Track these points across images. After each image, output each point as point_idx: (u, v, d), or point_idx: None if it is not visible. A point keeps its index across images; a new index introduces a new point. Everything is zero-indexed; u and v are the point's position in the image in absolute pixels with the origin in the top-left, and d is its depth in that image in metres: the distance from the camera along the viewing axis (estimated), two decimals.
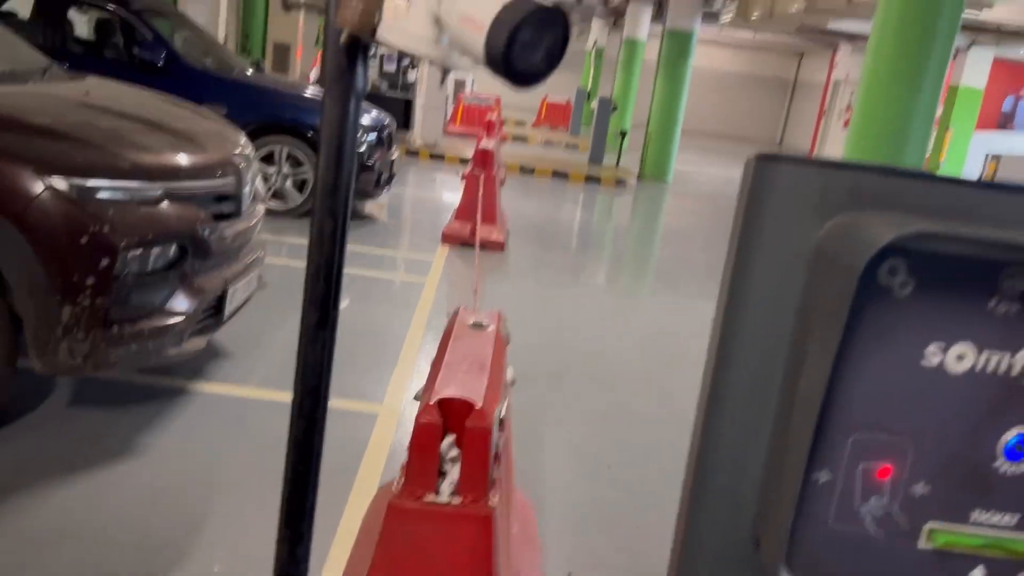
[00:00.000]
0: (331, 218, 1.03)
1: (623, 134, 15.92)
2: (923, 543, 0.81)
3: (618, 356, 5.41)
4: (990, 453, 0.80)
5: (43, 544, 2.63)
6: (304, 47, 20.47)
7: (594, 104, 16.15)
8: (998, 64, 18.65)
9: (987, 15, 10.66)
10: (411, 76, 15.84)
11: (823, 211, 0.83)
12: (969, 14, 8.43)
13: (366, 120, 7.95)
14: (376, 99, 11.74)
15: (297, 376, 1.26)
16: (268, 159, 7.35)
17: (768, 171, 0.86)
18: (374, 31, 0.90)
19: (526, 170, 13.91)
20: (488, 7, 0.75)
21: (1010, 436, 0.79)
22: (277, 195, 7.51)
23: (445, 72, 0.93)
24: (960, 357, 0.78)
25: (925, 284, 0.77)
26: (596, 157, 15.36)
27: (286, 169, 7.48)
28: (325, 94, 0.97)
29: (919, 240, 0.76)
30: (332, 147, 0.98)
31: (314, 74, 13.67)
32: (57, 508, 2.83)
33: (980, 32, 13.91)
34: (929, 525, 0.80)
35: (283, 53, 19.76)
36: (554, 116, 23.67)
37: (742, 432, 0.89)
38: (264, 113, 7.39)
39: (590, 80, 26.14)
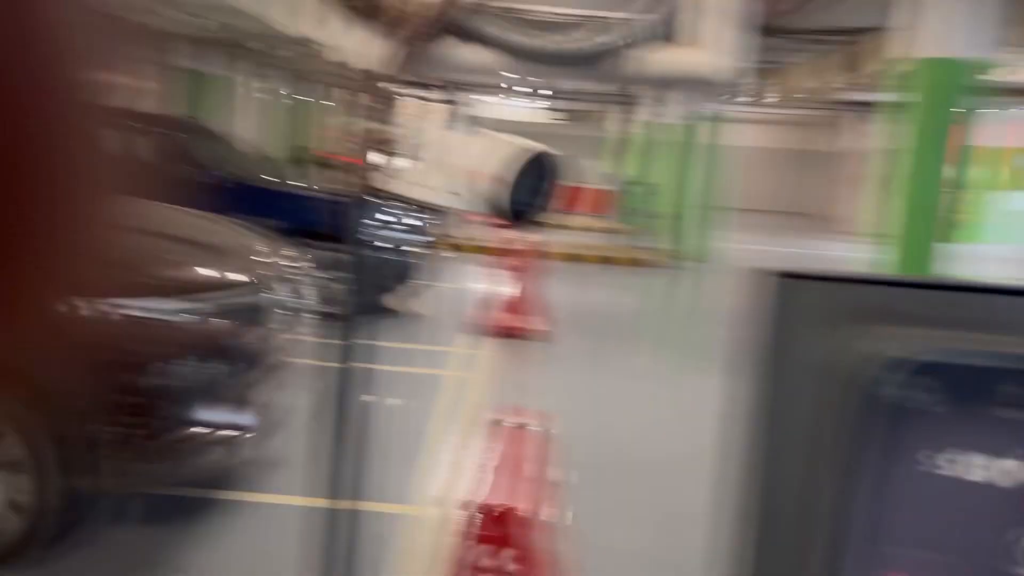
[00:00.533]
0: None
1: (660, 216, 16.06)
2: None
3: (672, 444, 5.34)
4: (1008, 560, 0.80)
5: None
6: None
7: (633, 187, 16.39)
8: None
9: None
10: None
11: (836, 325, 0.86)
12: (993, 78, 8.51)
13: (413, 221, 8.19)
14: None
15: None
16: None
17: (793, 289, 0.90)
18: (375, 191, 0.97)
19: (571, 257, 14.06)
20: (493, 160, 0.81)
21: None
22: (327, 300, 7.70)
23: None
24: (971, 466, 0.79)
25: (937, 393, 0.79)
26: (639, 241, 15.49)
27: (339, 273, 7.69)
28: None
29: (931, 353, 0.78)
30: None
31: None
32: None
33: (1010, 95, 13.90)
34: None
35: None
36: (598, 203, 24.00)
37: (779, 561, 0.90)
38: (316, 218, 7.63)
39: (626, 164, 26.56)
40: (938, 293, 0.83)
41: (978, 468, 0.80)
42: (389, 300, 8.47)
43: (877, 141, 23.94)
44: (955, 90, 6.46)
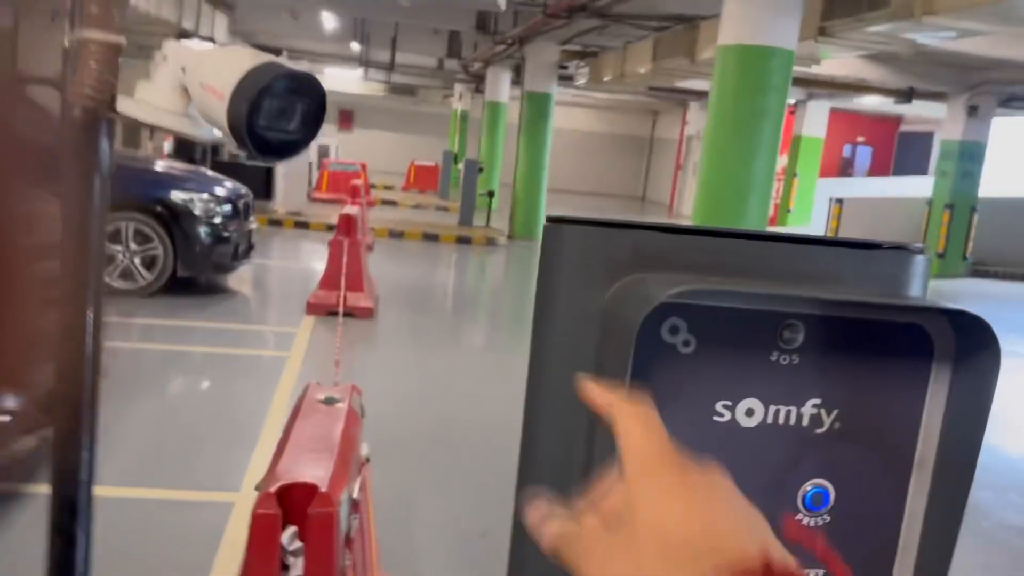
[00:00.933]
0: (81, 314, 0.92)
1: (491, 194, 16.16)
2: None
3: (496, 421, 5.36)
4: (791, 506, 0.78)
5: None
6: None
7: (461, 166, 16.37)
8: (835, 115, 20.23)
9: (818, 69, 11.55)
10: None
11: (611, 272, 0.81)
12: (800, 70, 9.12)
13: (221, 191, 7.71)
14: (235, 168, 11.43)
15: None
16: (115, 237, 6.96)
17: (558, 234, 0.84)
18: (112, 104, 0.83)
19: (396, 234, 13.84)
20: (230, 75, 0.70)
21: (809, 487, 0.78)
22: (125, 274, 7.11)
23: (193, 144, 0.87)
24: (749, 412, 0.76)
25: (707, 341, 0.75)
26: (465, 218, 15.49)
27: (133, 246, 7.11)
28: (64, 177, 0.88)
29: (697, 298, 0.75)
30: (77, 236, 0.88)
31: (168, 147, 13.21)
32: None
33: (815, 85, 15.05)
34: None
35: (134, 129, 19.02)
36: (423, 179, 23.81)
37: (556, 487, 0.84)
38: (117, 188, 7.02)
39: (456, 142, 26.53)
40: (709, 240, 0.80)
41: (757, 413, 0.78)
42: (202, 276, 7.96)
43: (696, 128, 25.37)
44: (764, 79, 6.85)
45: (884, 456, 0.79)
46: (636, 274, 0.79)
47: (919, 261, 0.83)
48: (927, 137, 22.42)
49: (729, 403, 0.76)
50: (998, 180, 16.97)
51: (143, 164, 7.92)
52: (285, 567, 1.84)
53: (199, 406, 5.18)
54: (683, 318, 0.75)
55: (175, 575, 3.05)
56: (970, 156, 14.26)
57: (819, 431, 0.77)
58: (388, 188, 23.29)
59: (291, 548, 1.81)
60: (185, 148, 12.03)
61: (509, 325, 8.89)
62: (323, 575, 1.81)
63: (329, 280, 7.47)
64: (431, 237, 14.03)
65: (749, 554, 0.45)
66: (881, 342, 0.77)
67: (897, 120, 24.15)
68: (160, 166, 7.90)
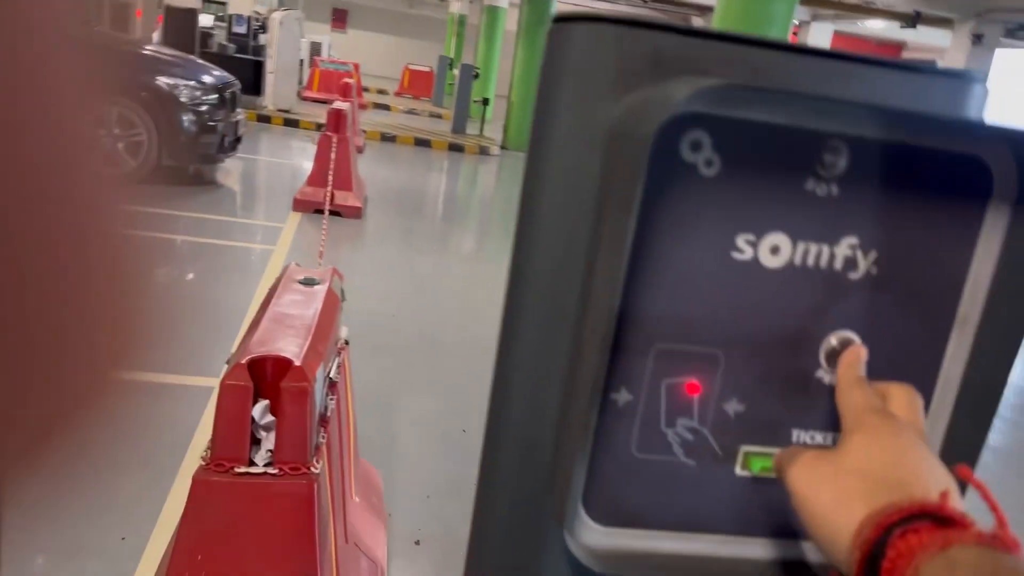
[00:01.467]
0: None
1: (485, 101, 15.77)
2: (740, 469, 0.69)
3: (482, 324, 5.29)
4: (812, 361, 0.69)
5: None
6: (145, 8, 19.09)
7: (456, 72, 15.90)
8: (838, 38, 19.71)
9: None
10: (261, 39, 15.05)
11: (625, 81, 0.69)
12: None
13: (208, 80, 7.43)
14: (223, 61, 11.04)
15: None
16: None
17: (564, 36, 0.71)
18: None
19: (387, 138, 13.54)
20: None
21: (834, 340, 0.68)
22: (107, 161, 6.88)
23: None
24: (774, 249, 0.66)
25: (733, 161, 0.64)
26: (459, 125, 15.15)
27: (117, 131, 6.87)
28: None
29: (723, 106, 0.63)
30: None
31: (157, 35, 12.72)
32: None
33: (821, 4, 14.58)
34: (745, 448, 0.69)
35: (122, 13, 18.35)
36: (417, 85, 23.22)
37: (539, 356, 0.74)
38: None
39: (453, 48, 25.76)
40: (743, 47, 0.67)
41: (783, 252, 0.67)
42: (191, 167, 7.76)
43: None
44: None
45: (923, 309, 0.69)
46: (653, 83, 0.67)
47: (979, 91, 0.71)
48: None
49: (752, 238, 0.65)
50: (997, 113, 16.67)
51: (129, 47, 7.59)
52: (256, 441, 1.77)
53: (182, 294, 5.07)
54: (707, 131, 0.63)
55: (150, 456, 3.00)
56: None
57: (853, 276, 0.67)
58: (381, 92, 22.73)
59: (263, 422, 1.74)
60: (174, 36, 11.59)
61: (499, 234, 8.77)
62: (295, 451, 1.74)
63: (317, 177, 7.29)
64: (423, 143, 13.73)
65: (930, 494, 0.54)
66: (933, 175, 0.66)
67: (899, 47, 23.62)
68: (147, 50, 7.57)
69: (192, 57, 8.43)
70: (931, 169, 0.66)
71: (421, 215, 8.73)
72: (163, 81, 7.11)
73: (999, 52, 14.10)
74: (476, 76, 15.91)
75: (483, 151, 13.95)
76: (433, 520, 2.93)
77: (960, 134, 0.65)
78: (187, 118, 7.11)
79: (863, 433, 0.59)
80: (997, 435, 4.59)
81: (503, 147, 14.86)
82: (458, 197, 10.74)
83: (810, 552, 0.72)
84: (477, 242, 8.17)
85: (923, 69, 0.70)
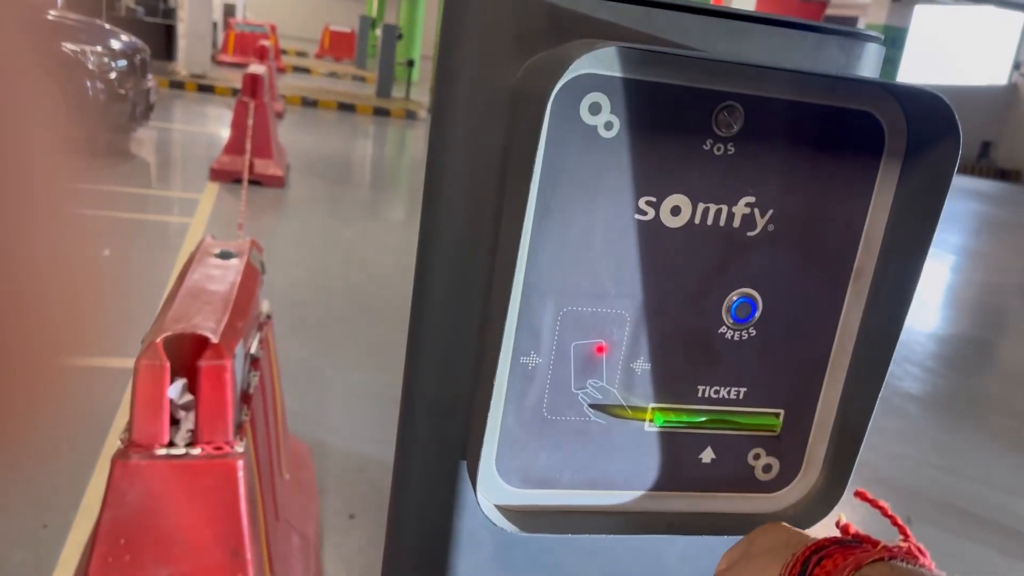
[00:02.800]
0: None
1: (410, 63, 15.51)
2: (649, 426, 0.70)
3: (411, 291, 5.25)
4: (715, 318, 0.70)
5: None
6: None
7: (379, 32, 15.56)
8: None
9: None
10: (172, 1, 14.43)
11: (524, 46, 0.68)
12: None
13: (116, 45, 7.10)
14: (132, 25, 10.56)
15: None
16: None
17: (461, 1, 0.69)
18: None
19: (309, 102, 13.20)
20: None
21: (735, 296, 0.70)
22: None
23: None
24: (675, 210, 0.66)
25: (632, 124, 0.64)
26: (384, 89, 14.87)
27: None
28: None
29: (619, 68, 0.63)
30: None
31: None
32: None
33: None
34: (652, 405, 0.70)
35: None
36: (338, 46, 22.66)
37: (450, 321, 0.73)
38: None
39: (375, 7, 25.16)
40: (640, 9, 0.67)
41: (684, 212, 0.67)
42: (101, 137, 7.42)
43: None
44: None
45: (819, 264, 0.70)
46: (555, 46, 0.66)
47: (873, 50, 0.73)
48: (851, 21, 22.51)
49: (653, 199, 0.66)
50: (914, 70, 17.24)
51: (31, 11, 7.18)
52: (176, 421, 1.72)
53: (97, 272, 4.89)
54: (606, 94, 0.63)
55: (70, 442, 2.90)
56: (892, 42, 14.36)
57: (751, 234, 0.68)
58: (301, 55, 22.11)
59: (181, 401, 1.70)
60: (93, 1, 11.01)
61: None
62: (216, 430, 1.70)
63: (234, 145, 7.07)
64: (347, 108, 13.44)
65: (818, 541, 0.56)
66: (827, 133, 0.67)
67: (823, 5, 24.08)
68: (50, 14, 7.18)
69: (98, 22, 8.04)
70: (825, 127, 0.67)
71: (347, 183, 8.58)
72: (68, 48, 6.77)
73: (918, 9, 14.53)
74: (400, 37, 15.61)
75: (410, 115, 13.75)
76: (368, 493, 2.93)
77: (852, 92, 0.66)
78: (95, 86, 6.79)
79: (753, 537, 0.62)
80: (919, 384, 4.81)
81: (431, 110, 14.64)
82: (386, 163, 10.58)
83: (717, 503, 0.74)
84: (407, 209, 8.07)
85: (817, 28, 0.71)
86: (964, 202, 13.05)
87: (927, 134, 0.66)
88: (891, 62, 14.45)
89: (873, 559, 0.51)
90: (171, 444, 1.70)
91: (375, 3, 25.22)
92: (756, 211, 0.68)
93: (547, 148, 0.63)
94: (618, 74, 0.63)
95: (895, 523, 0.57)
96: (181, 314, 1.82)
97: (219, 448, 1.71)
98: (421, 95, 15.37)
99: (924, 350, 5.37)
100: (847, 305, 0.72)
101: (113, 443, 2.96)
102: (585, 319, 0.67)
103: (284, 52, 19.79)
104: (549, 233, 0.65)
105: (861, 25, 20.12)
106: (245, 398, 1.92)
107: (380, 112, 13.57)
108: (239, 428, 1.79)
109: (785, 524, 0.61)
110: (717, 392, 0.71)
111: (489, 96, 0.69)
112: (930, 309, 6.61)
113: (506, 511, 0.70)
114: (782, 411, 0.73)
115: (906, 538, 0.54)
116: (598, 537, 0.76)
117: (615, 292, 0.67)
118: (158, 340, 1.66)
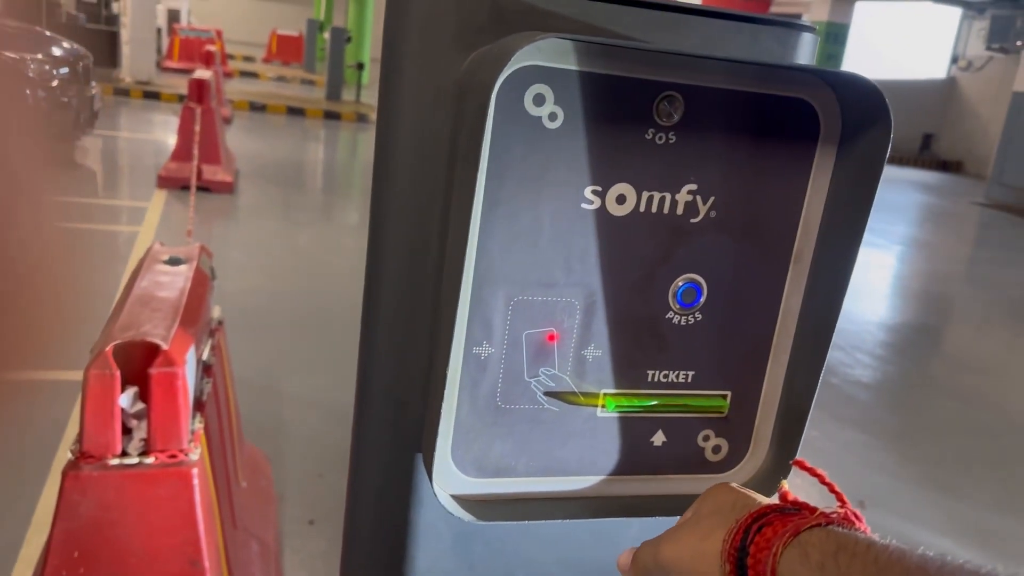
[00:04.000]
0: None
1: (360, 66, 15.40)
2: (601, 411, 0.71)
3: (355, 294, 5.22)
4: (662, 303, 0.71)
5: None
6: None
7: (327, 35, 15.41)
8: None
9: None
10: (115, 7, 14.12)
11: (467, 39, 0.69)
12: None
13: (57, 52, 6.93)
14: (73, 32, 10.32)
15: None
16: None
17: None
18: None
19: (257, 107, 13.03)
20: None
21: (681, 282, 0.71)
22: None
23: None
24: (620, 199, 0.68)
25: (576, 114, 0.65)
26: (333, 92, 14.74)
27: None
28: None
29: (560, 59, 0.64)
30: None
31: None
32: None
33: None
34: (604, 391, 0.71)
35: None
36: (286, 50, 22.41)
37: (402, 315, 0.74)
38: None
39: (322, 10, 24.93)
40: (581, 2, 0.69)
41: (628, 200, 0.69)
42: (46, 149, 7.22)
43: None
44: None
45: (761, 249, 0.72)
46: (493, 35, 0.67)
47: (808, 40, 0.75)
48: (795, 18, 22.96)
49: (599, 188, 0.67)
50: (856, 66, 17.61)
51: None
52: (128, 431, 1.69)
53: (38, 287, 4.77)
54: (549, 85, 0.64)
55: (19, 457, 2.83)
56: (834, 38, 14.69)
57: (694, 220, 0.70)
58: (248, 59, 21.82)
59: (132, 410, 1.67)
60: (16, 6, 10.70)
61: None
62: (169, 438, 1.68)
63: (181, 152, 6.95)
64: (296, 112, 13.30)
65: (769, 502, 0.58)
66: (764, 120, 0.69)
67: (767, 2, 24.54)
68: None
69: (38, 29, 7.83)
70: (762, 114, 0.69)
71: (299, 187, 8.49)
72: (7, 56, 6.58)
73: (859, 6, 14.88)
74: (348, 40, 15.50)
75: (361, 118, 13.65)
76: (328, 498, 2.90)
77: (787, 80, 0.68)
78: (35, 94, 6.62)
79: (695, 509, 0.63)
80: (869, 371, 4.92)
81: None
82: (337, 167, 10.50)
83: (670, 485, 0.75)
84: (361, 213, 8.01)
85: (754, 19, 0.73)
86: (908, 194, 13.40)
87: (860, 119, 0.68)
88: (834, 58, 14.77)
89: (811, 525, 0.52)
90: (124, 454, 1.67)
91: (322, 6, 24.99)
92: (698, 198, 0.69)
93: (493, 140, 0.64)
94: (561, 65, 0.64)
95: (832, 491, 0.59)
96: (130, 322, 1.79)
97: (173, 456, 1.69)
98: (371, 98, 15.27)
99: (873, 339, 5.51)
100: (788, 288, 0.74)
101: (63, 456, 2.89)
102: (536, 308, 0.68)
103: (231, 57, 19.52)
104: (498, 224, 0.66)
105: (805, 21, 20.47)
106: (198, 405, 1.90)
107: (330, 116, 13.45)
108: (193, 435, 1.77)
109: (733, 485, 0.62)
110: (666, 376, 0.73)
111: (434, 90, 0.69)
112: (878, 299, 6.78)
113: (463, 501, 0.71)
114: (729, 393, 0.75)
115: (843, 504, 0.56)
116: (555, 523, 0.77)
117: (564, 281, 0.68)
118: (107, 349, 1.63)
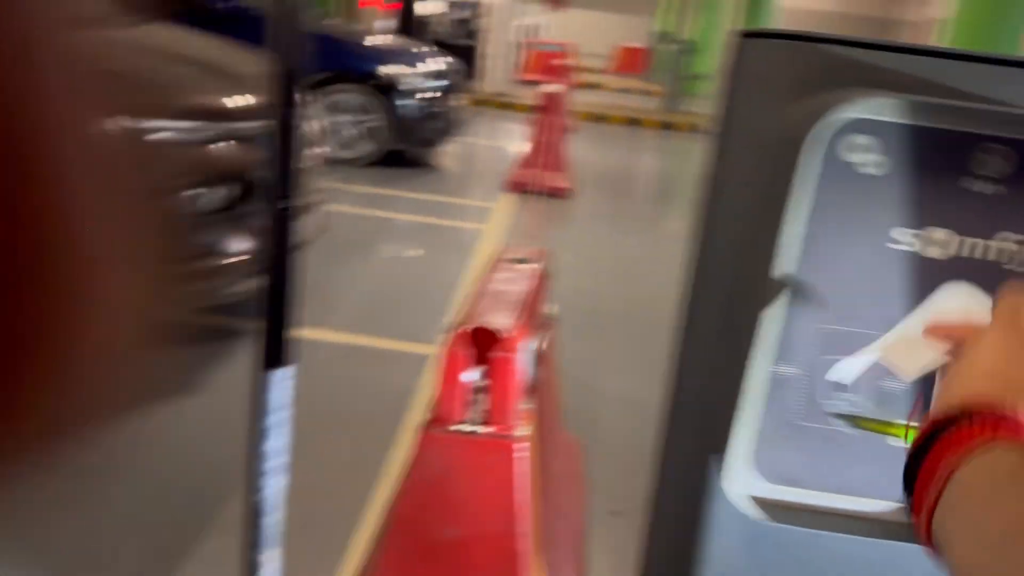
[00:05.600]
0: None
1: (701, 77, 15.43)
2: (893, 440, 0.76)
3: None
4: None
5: (106, 473, 2.77)
6: None
7: (673, 48, 15.66)
8: None
9: None
10: (477, 24, 15.68)
11: (799, 89, 0.77)
12: None
13: (434, 66, 7.92)
14: (442, 47, 11.69)
15: None
16: (337, 107, 7.40)
17: (748, 50, 0.80)
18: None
19: (597, 118, 13.67)
20: None
21: None
22: (345, 144, 7.58)
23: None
24: (934, 242, 0.72)
25: (897, 162, 0.71)
26: (672, 103, 14.95)
27: (352, 118, 7.53)
28: None
29: (890, 113, 0.70)
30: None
31: (381, 24, 13.66)
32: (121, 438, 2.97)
33: None
34: (909, 422, 0.75)
35: (350, 4, 19.77)
36: (629, 62, 23.12)
37: (715, 335, 0.85)
38: (331, 62, 7.39)
39: (667, 21, 25.29)
40: (909, 57, 0.73)
41: (940, 245, 0.72)
42: (412, 151, 8.34)
43: (942, 10, 22.51)
44: None
45: None
46: (828, 91, 0.74)
47: None
48: None
49: (914, 229, 0.72)
50: None
51: (355, 38, 8.26)
52: (471, 403, 1.98)
53: (403, 268, 5.56)
54: (875, 136, 0.70)
55: (372, 417, 3.37)
56: None
57: (1009, 267, 0.71)
58: (592, 71, 22.87)
59: (477, 386, 1.95)
60: (407, 25, 12.40)
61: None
62: (503, 414, 1.93)
63: (529, 159, 7.58)
64: (633, 122, 13.72)
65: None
66: None
67: None
68: (370, 41, 8.22)
69: (413, 46, 9.02)
70: None
71: (629, 196, 8.80)
72: (387, 70, 7.68)
73: None
74: (691, 51, 15.61)
75: (695, 129, 13.71)
76: (635, 494, 3.05)
77: None
78: (411, 104, 7.64)
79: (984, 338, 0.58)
80: None
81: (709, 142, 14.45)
82: (668, 177, 10.67)
83: None
84: (683, 223, 8.11)
85: None
86: None
87: None
88: None
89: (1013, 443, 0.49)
90: (466, 422, 1.96)
91: (670, 19, 25.35)
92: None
93: (816, 183, 0.72)
94: (885, 119, 0.70)
95: None
96: (482, 311, 2.08)
97: (505, 429, 1.94)
98: (707, 108, 15.23)
99: None
100: None
101: (412, 417, 3.39)
102: (840, 337, 0.74)
103: (579, 69, 20.63)
104: (813, 257, 0.73)
105: None
106: (530, 389, 2.14)
107: (666, 126, 13.67)
108: (523, 415, 2.01)
109: None
110: None
111: (762, 135, 0.79)
112: None
113: (756, 502, 0.80)
114: None
115: None
116: (845, 540, 0.83)
117: (867, 313, 0.74)
118: (463, 332, 1.92)
